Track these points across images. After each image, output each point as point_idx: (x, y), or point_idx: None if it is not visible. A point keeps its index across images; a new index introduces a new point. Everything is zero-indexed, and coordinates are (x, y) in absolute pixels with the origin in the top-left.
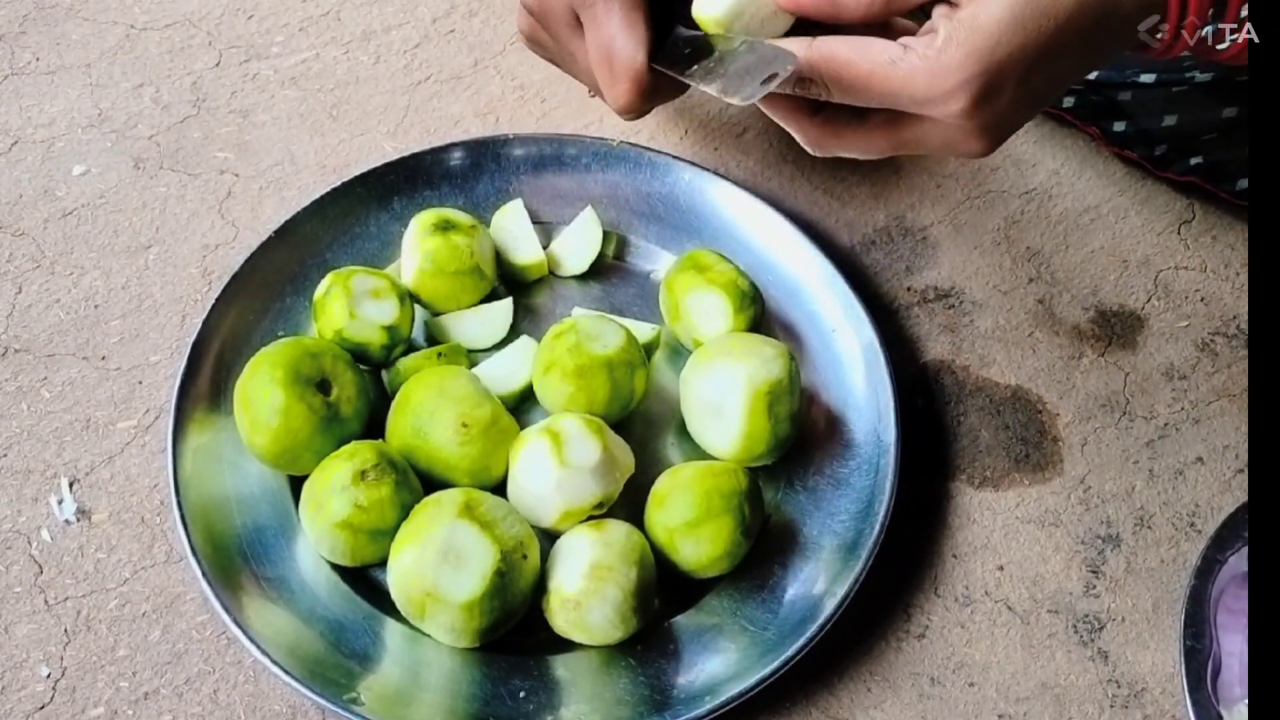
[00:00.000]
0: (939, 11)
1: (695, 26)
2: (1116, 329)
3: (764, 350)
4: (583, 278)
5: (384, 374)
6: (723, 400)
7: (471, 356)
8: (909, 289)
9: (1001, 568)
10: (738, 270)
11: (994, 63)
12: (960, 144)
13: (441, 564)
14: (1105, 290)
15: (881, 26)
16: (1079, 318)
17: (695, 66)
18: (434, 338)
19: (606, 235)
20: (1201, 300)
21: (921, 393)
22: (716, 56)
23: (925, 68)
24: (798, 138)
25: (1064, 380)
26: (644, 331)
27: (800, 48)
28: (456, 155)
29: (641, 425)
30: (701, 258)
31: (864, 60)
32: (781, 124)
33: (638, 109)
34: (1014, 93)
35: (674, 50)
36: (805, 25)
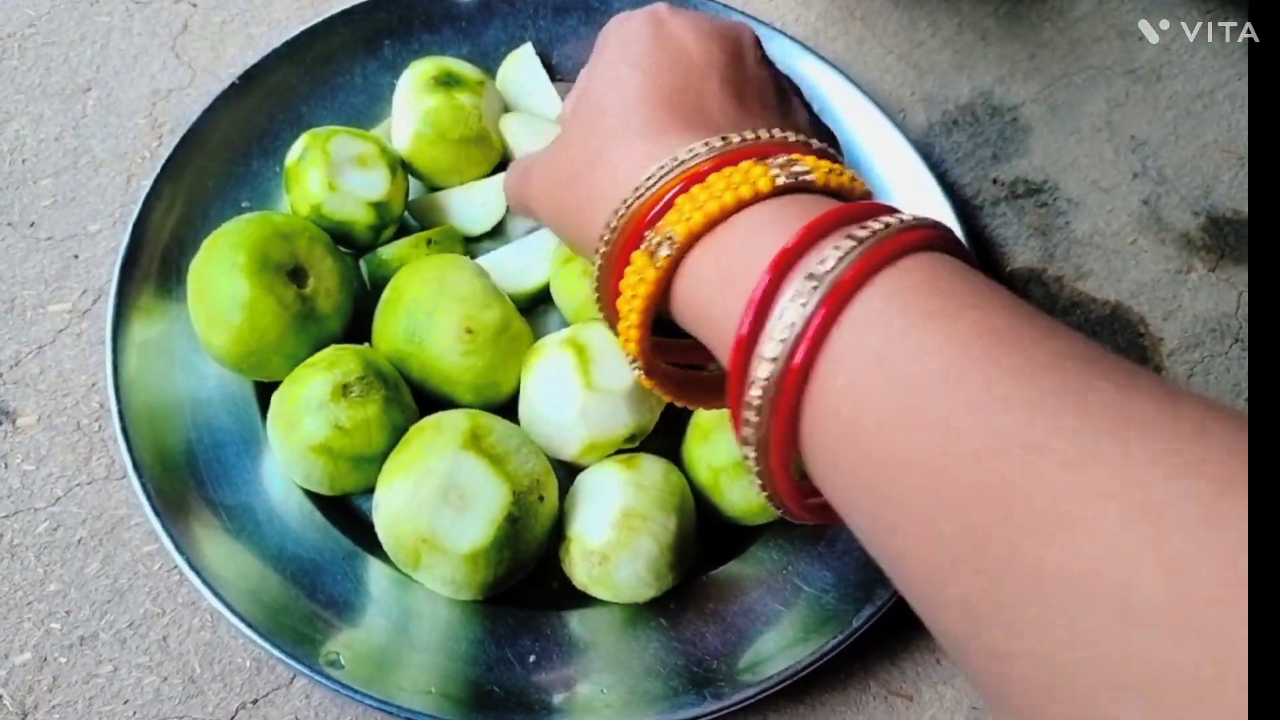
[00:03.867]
0: None
1: None
2: (1230, 240)
3: None
4: None
5: (362, 263)
6: None
7: (467, 246)
8: (996, 180)
9: None
10: None
11: None
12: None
13: (441, 505)
14: (1219, 192)
15: None
16: (1188, 224)
17: None
18: (417, 219)
19: None
20: None
21: None
22: None
23: None
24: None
25: (1169, 298)
26: None
27: None
28: None
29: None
30: None
31: None
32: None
33: None
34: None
35: None
36: None
